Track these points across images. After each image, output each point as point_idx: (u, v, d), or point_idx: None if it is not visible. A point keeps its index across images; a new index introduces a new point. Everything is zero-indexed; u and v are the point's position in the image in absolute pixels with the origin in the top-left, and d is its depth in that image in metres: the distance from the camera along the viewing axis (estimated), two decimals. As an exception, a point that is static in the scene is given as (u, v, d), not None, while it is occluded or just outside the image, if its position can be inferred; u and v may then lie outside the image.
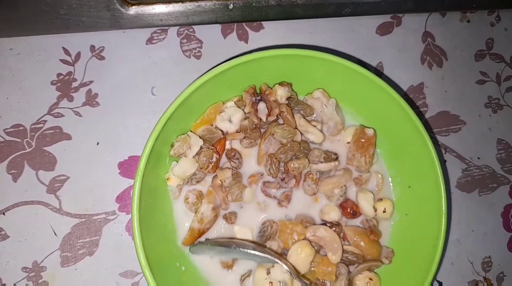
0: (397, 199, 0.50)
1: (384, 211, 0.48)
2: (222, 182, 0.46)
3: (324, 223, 0.48)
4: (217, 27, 0.56)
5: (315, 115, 0.51)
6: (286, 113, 0.48)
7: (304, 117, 0.49)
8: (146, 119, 0.53)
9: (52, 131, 0.51)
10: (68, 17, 0.49)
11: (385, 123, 0.49)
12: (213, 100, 0.48)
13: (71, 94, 0.52)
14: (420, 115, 0.59)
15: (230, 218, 0.47)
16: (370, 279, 0.47)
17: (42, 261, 0.49)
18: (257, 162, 0.49)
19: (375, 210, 0.48)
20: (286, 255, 0.46)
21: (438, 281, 0.55)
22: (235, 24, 0.56)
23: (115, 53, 0.54)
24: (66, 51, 0.53)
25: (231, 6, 0.52)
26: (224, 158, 0.48)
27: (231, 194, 0.46)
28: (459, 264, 0.57)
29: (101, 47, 0.54)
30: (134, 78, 0.54)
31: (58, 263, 0.49)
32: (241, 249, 0.43)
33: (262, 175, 0.48)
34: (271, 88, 0.48)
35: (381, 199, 0.49)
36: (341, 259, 0.46)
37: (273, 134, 0.47)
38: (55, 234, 0.49)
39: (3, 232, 0.49)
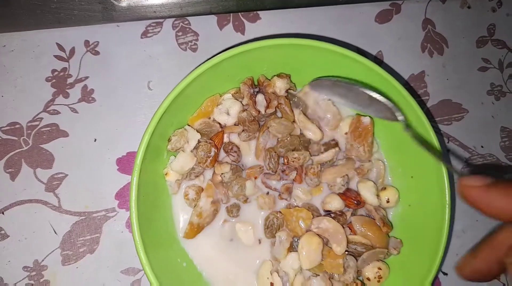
0: (400, 190, 0.50)
1: (387, 201, 0.47)
2: (222, 177, 0.46)
3: (328, 213, 0.47)
4: (213, 19, 0.55)
5: (310, 111, 0.50)
6: (284, 105, 0.47)
7: (303, 113, 0.48)
8: (143, 114, 0.52)
9: (48, 128, 0.51)
10: (59, 10, 0.48)
11: (386, 113, 0.48)
12: (210, 92, 0.47)
13: (67, 90, 0.52)
14: (421, 104, 0.58)
15: (232, 211, 0.47)
16: (379, 268, 0.46)
17: (43, 260, 0.48)
18: (255, 156, 0.48)
19: (379, 199, 0.47)
20: (297, 245, 0.45)
21: (443, 272, 0.55)
22: (231, 15, 0.55)
23: (110, 47, 0.53)
24: (60, 47, 0.52)
25: (225, -4, 0.51)
26: (223, 152, 0.48)
27: (231, 189, 0.46)
28: (464, 254, 0.56)
29: (96, 42, 0.53)
30: (130, 72, 0.53)
31: (59, 262, 0.49)
32: (364, 90, 0.43)
33: (261, 168, 0.48)
34: (270, 80, 0.48)
35: (385, 188, 0.48)
36: (349, 251, 0.46)
37: (268, 127, 0.46)
38: (55, 233, 0.49)
39: (2, 232, 0.48)
